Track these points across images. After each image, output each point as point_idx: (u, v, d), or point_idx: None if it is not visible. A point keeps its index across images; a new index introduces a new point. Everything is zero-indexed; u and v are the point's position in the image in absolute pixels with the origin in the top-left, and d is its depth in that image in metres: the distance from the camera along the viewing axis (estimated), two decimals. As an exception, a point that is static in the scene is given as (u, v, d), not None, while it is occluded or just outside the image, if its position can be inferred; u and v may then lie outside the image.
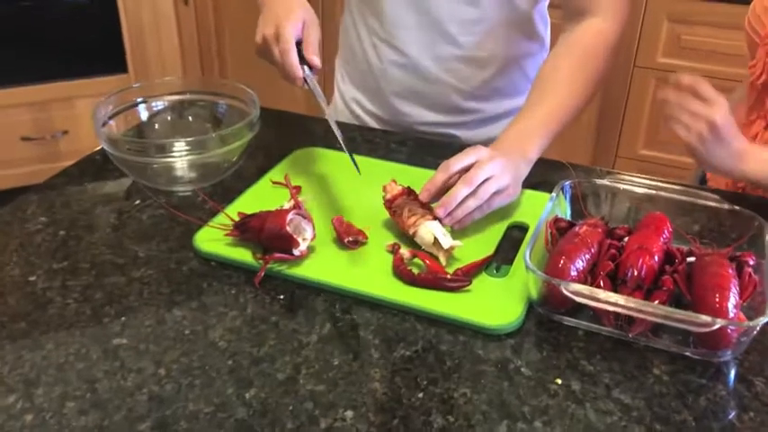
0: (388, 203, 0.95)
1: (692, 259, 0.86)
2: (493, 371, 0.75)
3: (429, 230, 0.89)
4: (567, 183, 0.95)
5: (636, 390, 0.73)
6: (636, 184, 0.94)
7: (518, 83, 1.24)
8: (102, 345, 0.77)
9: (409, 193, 0.96)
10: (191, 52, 2.83)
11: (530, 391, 0.72)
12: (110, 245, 0.93)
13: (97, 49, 2.72)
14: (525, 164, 1.00)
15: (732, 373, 0.76)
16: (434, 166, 1.09)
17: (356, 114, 1.32)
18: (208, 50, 2.85)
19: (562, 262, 0.81)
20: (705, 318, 0.72)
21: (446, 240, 0.89)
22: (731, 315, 0.74)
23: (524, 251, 0.81)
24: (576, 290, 0.76)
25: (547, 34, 1.25)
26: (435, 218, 0.91)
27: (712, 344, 0.75)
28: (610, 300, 0.75)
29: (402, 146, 1.18)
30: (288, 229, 0.87)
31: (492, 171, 0.92)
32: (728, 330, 0.74)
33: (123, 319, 0.81)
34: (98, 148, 1.14)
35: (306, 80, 0.98)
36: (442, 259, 0.89)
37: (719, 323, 0.72)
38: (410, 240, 0.92)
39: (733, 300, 0.76)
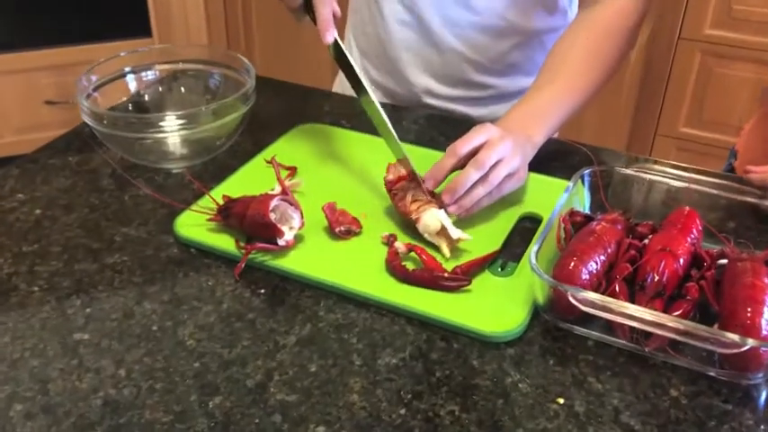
0: (390, 185, 0.87)
1: (723, 261, 0.76)
2: (487, 385, 0.67)
3: (435, 217, 0.81)
4: (587, 171, 0.85)
5: (648, 414, 0.64)
6: (666, 174, 0.84)
7: (538, 60, 1.13)
8: (61, 340, 0.71)
9: (413, 179, 0.87)
10: (216, 17, 2.75)
11: (526, 412, 0.64)
12: (86, 227, 0.86)
13: (121, 12, 2.66)
14: (531, 147, 0.90)
15: (763, 398, 0.66)
16: (444, 147, 1.00)
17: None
18: (234, 15, 2.77)
19: (573, 264, 0.72)
20: (733, 337, 0.63)
21: (455, 230, 0.80)
22: (765, 333, 0.65)
23: (531, 249, 0.72)
24: (585, 298, 0.67)
25: (572, 10, 1.13)
26: (441, 206, 0.83)
27: (741, 365, 0.66)
28: (624, 311, 0.66)
29: (413, 123, 1.09)
30: (271, 216, 0.79)
31: (503, 152, 0.83)
32: (761, 351, 0.64)
33: (88, 311, 0.74)
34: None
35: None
36: (446, 251, 0.80)
37: (750, 343, 0.62)
38: (410, 230, 0.84)
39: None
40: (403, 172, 0.88)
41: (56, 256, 0.82)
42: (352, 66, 0.90)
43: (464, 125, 1.08)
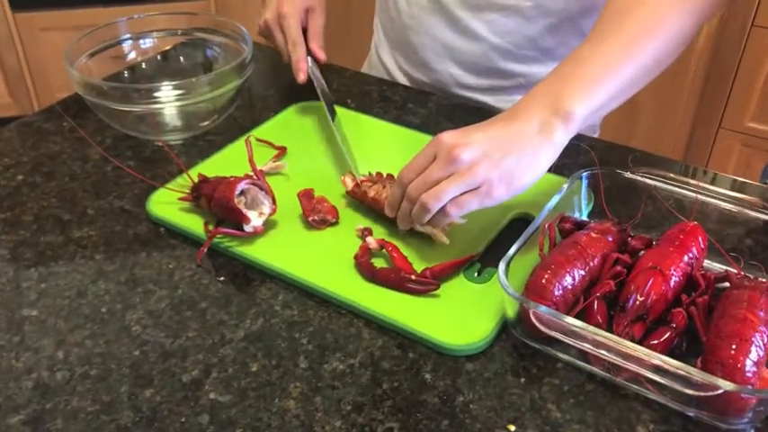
0: (353, 192, 0.82)
1: (725, 285, 0.68)
2: (435, 403, 0.61)
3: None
4: (586, 172, 0.78)
5: (607, 452, 0.58)
6: (677, 182, 0.76)
7: (572, 44, 1.04)
8: (9, 314, 0.69)
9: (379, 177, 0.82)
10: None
11: (471, 437, 0.59)
12: (62, 197, 0.84)
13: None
14: (559, 127, 0.70)
15: (743, 448, 0.59)
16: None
17: (389, 71, 1.16)
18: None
19: (546, 277, 0.65)
20: (707, 377, 0.55)
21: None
22: (748, 375, 0.57)
23: (503, 258, 0.65)
24: (545, 318, 0.61)
25: None
26: None
27: (719, 408, 0.58)
28: (590, 337, 0.60)
29: (420, 107, 1.03)
30: (240, 201, 0.75)
31: (451, 167, 0.69)
32: (742, 395, 0.57)
33: (43, 286, 0.72)
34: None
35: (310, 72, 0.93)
36: (445, 238, 0.75)
37: (726, 387, 0.55)
38: (390, 223, 0.78)
39: (755, 354, 0.58)
40: (355, 183, 0.82)
41: (26, 225, 0.80)
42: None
43: (478, 113, 1.01)
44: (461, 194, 0.68)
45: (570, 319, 0.60)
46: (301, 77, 0.97)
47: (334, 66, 1.17)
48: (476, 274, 0.73)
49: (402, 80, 1.13)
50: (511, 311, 0.66)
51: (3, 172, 0.88)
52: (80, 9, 2.61)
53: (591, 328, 0.60)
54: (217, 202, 0.76)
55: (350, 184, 0.81)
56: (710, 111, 2.19)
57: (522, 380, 0.64)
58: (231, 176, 0.78)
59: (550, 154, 0.71)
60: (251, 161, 0.81)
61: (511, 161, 0.69)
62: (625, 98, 0.75)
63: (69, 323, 0.68)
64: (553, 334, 0.61)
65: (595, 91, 0.72)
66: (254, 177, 0.78)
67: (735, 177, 0.87)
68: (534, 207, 0.81)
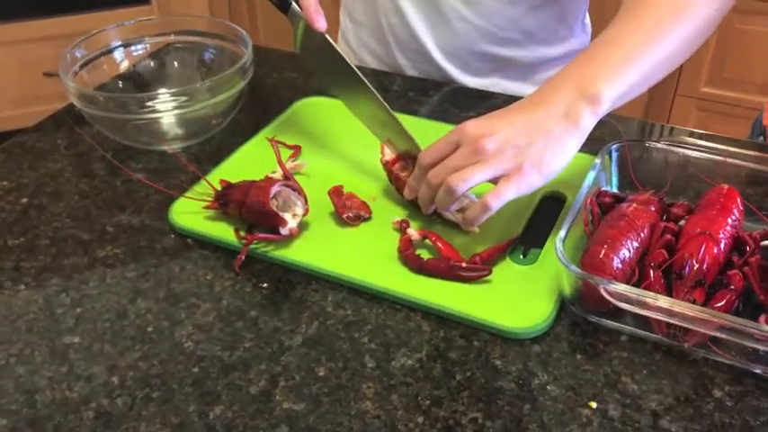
0: (389, 165, 0.80)
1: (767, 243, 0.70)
2: (512, 388, 0.61)
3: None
4: (615, 145, 0.78)
5: (690, 418, 0.58)
6: (699, 147, 0.77)
7: (554, 27, 1.04)
8: (50, 343, 0.66)
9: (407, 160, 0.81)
10: (216, -19, 2.66)
11: (556, 418, 0.58)
12: (75, 216, 0.80)
13: (118, -23, 2.57)
14: (587, 110, 0.69)
15: (815, 398, 0.60)
16: (458, 121, 0.94)
17: (360, 58, 1.14)
18: (234, -20, 2.68)
19: (603, 252, 0.65)
20: (782, 333, 0.57)
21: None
22: (817, 327, 0.59)
23: (557, 236, 0.65)
24: (618, 292, 0.61)
25: None
26: None
27: (791, 362, 0.60)
28: (663, 306, 0.60)
29: (422, 95, 1.02)
30: (272, 204, 0.73)
31: (476, 156, 0.68)
32: (813, 347, 0.58)
33: (79, 310, 0.69)
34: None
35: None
36: (476, 227, 0.74)
37: (803, 341, 0.56)
38: (424, 214, 0.77)
39: (820, 307, 0.60)
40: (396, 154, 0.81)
41: (44, 249, 0.76)
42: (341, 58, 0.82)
43: (483, 99, 1.01)
44: (500, 186, 0.68)
45: (643, 292, 0.61)
46: (321, 22, 0.80)
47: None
48: (521, 256, 0.73)
49: (375, 66, 1.12)
50: (569, 289, 0.66)
51: (5, 196, 0.84)
52: (19, 22, 2.51)
53: (663, 297, 0.60)
54: (250, 207, 0.73)
55: (389, 154, 0.80)
56: (666, 79, 2.24)
57: (592, 356, 0.64)
58: (261, 180, 0.76)
59: (577, 138, 0.70)
60: (280, 162, 0.79)
61: (538, 148, 0.68)
62: (652, 82, 0.75)
63: (117, 346, 0.65)
64: (625, 306, 0.61)
65: (623, 73, 0.71)
66: (285, 178, 0.76)
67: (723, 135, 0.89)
68: (561, 185, 0.82)
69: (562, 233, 0.66)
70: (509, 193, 0.68)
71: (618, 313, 0.66)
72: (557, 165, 0.69)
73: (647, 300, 0.60)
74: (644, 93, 2.26)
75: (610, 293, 0.61)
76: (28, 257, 0.75)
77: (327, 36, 0.81)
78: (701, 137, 0.80)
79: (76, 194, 0.84)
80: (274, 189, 0.73)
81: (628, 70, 0.71)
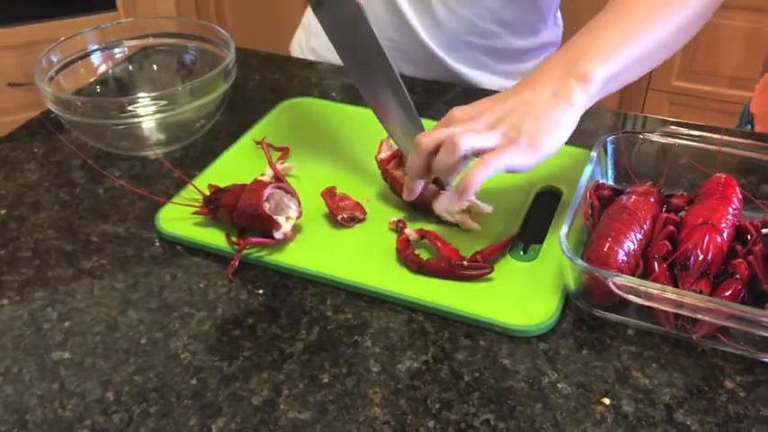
0: (384, 164, 0.78)
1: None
2: (522, 388, 0.59)
3: (453, 197, 0.74)
4: (610, 137, 0.77)
5: (705, 411, 0.58)
6: (694, 138, 0.76)
7: (529, 19, 1.04)
8: (39, 360, 0.63)
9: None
10: (183, -15, 2.62)
11: (569, 416, 0.57)
12: (57, 227, 0.77)
13: (82, -16, 2.52)
14: (577, 90, 0.68)
15: (826, 385, 0.60)
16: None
17: (321, 56, 1.12)
18: (201, -18, 2.64)
19: (608, 245, 0.64)
20: (794, 321, 0.56)
21: (482, 204, 0.74)
22: (827, 314, 0.58)
23: (561, 232, 0.64)
24: (627, 285, 0.60)
25: None
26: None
27: (802, 350, 0.59)
28: (672, 298, 0.59)
29: (410, 92, 1.00)
30: (266, 207, 0.71)
31: (474, 126, 0.68)
32: (824, 334, 0.57)
33: (67, 324, 0.66)
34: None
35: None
36: (473, 224, 0.74)
37: (815, 328, 0.56)
38: (419, 213, 0.76)
39: (828, 293, 0.59)
40: (392, 151, 0.79)
41: (26, 262, 0.73)
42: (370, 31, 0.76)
43: (468, 92, 1.00)
44: (497, 150, 0.65)
45: (651, 284, 0.60)
46: None
47: (302, 60, 1.13)
48: (521, 253, 0.72)
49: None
50: (573, 283, 0.65)
51: (-19, 208, 0.80)
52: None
53: (670, 289, 0.60)
54: (242, 211, 0.71)
55: (386, 151, 0.78)
56: (638, 74, 2.25)
57: (600, 351, 0.63)
58: (251, 183, 0.74)
59: (570, 115, 0.68)
60: (271, 164, 0.77)
61: (531, 125, 0.66)
62: (647, 67, 0.74)
63: (110, 360, 0.62)
64: (633, 299, 0.60)
65: (613, 55, 0.70)
66: (276, 180, 0.74)
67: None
68: (556, 179, 0.81)
69: (565, 228, 0.64)
70: (506, 158, 0.65)
71: (623, 307, 0.65)
72: (551, 143, 0.67)
73: (656, 292, 0.59)
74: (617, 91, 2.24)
75: (618, 287, 0.60)
76: (9, 270, 0.72)
77: (363, 7, 0.75)
78: (692, 127, 0.80)
79: (57, 204, 0.81)
80: (267, 191, 0.71)
81: (617, 51, 0.70)
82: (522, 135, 0.66)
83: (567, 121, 0.68)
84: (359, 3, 0.75)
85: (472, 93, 1.00)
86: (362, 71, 0.79)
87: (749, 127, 1.03)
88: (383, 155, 0.78)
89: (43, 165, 0.87)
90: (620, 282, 0.60)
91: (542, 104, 0.67)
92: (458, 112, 0.70)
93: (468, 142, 0.65)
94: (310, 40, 1.14)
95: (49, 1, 2.49)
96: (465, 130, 0.67)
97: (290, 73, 1.06)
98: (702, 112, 2.21)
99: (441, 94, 1.01)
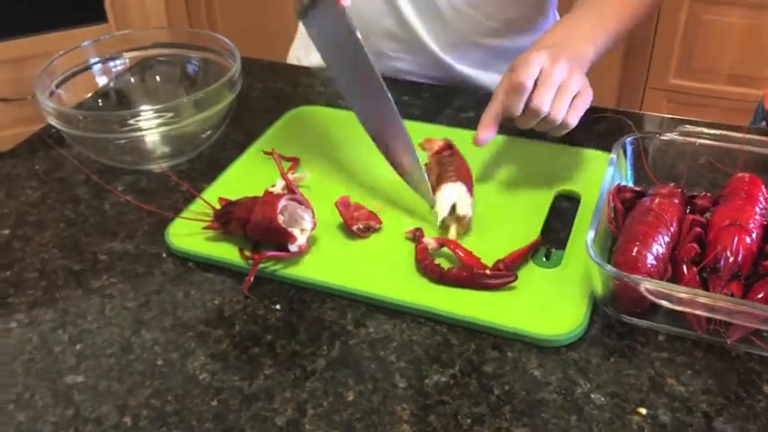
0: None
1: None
2: (555, 400, 0.58)
3: (449, 194, 0.73)
4: (629, 138, 0.76)
5: (745, 418, 0.56)
6: (715, 137, 0.75)
7: (533, 16, 1.05)
8: (51, 385, 0.60)
9: (450, 147, 0.78)
10: (174, -4, 2.60)
11: (606, 428, 0.55)
12: (63, 246, 0.75)
13: (71, -3, 2.50)
14: (584, 62, 0.81)
15: None
16: (456, 121, 0.91)
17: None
18: (193, -7, 2.62)
19: (636, 249, 0.63)
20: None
21: (464, 204, 0.73)
22: None
23: (587, 237, 0.62)
24: (660, 290, 0.58)
25: None
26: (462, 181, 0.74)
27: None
28: (705, 302, 0.57)
29: (416, 98, 0.99)
30: (280, 220, 0.69)
31: (562, 74, 0.75)
32: None
33: (79, 347, 0.64)
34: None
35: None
36: (453, 233, 0.72)
37: None
38: (433, 221, 0.74)
39: None
40: (438, 145, 0.79)
41: (33, 283, 0.71)
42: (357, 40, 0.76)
43: (475, 96, 0.98)
44: (576, 104, 0.76)
45: (683, 289, 0.58)
46: None
47: (305, 68, 1.11)
48: (544, 259, 0.70)
49: None
50: (601, 289, 0.63)
51: (-16, 228, 0.78)
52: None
53: (703, 293, 0.58)
54: (255, 225, 0.69)
55: (431, 150, 0.80)
56: (635, 72, 2.25)
57: (632, 359, 0.61)
58: (264, 195, 0.72)
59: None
60: (284, 175, 0.75)
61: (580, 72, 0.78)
62: (618, 41, 0.89)
63: (125, 383, 0.60)
64: (665, 304, 0.58)
65: (599, 39, 0.84)
66: (289, 192, 0.72)
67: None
68: (573, 182, 0.79)
69: (591, 233, 0.63)
70: (588, 95, 0.78)
71: (651, 312, 0.63)
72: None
73: (688, 296, 0.58)
74: (615, 87, 2.27)
75: (651, 292, 0.58)
76: (16, 292, 0.70)
77: (348, 14, 0.74)
78: (709, 126, 0.78)
79: (62, 222, 0.78)
80: (281, 203, 0.69)
81: (601, 35, 0.85)
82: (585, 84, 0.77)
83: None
84: (344, 8, 0.74)
85: (479, 96, 0.98)
86: (350, 81, 0.79)
87: (764, 124, 1.02)
88: (431, 153, 0.78)
89: (45, 182, 0.85)
90: (651, 287, 0.58)
91: (580, 64, 0.79)
92: (538, 58, 0.75)
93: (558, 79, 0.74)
94: (310, 57, 1.11)
95: (39, 15, 2.46)
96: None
97: (293, 81, 1.04)
98: (701, 110, 2.20)
99: (447, 98, 0.99)
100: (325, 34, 0.78)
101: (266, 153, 0.85)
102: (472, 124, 0.79)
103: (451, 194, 0.73)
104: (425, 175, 0.76)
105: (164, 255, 0.73)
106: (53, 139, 0.90)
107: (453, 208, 0.72)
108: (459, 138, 0.81)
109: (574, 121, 0.76)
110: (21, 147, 0.91)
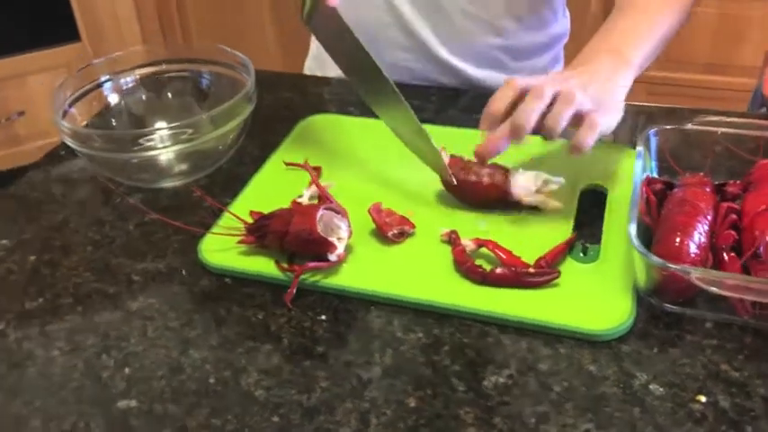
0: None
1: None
2: (615, 393, 0.58)
3: (529, 175, 0.75)
4: (652, 130, 0.77)
5: (802, 399, 0.57)
6: (738, 125, 0.76)
7: (542, 12, 1.05)
8: (105, 412, 0.59)
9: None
10: (147, 11, 2.57)
11: (670, 418, 0.56)
12: (94, 269, 0.74)
13: (43, 16, 2.45)
14: (625, 68, 0.77)
15: None
16: (461, 121, 0.91)
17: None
18: (166, 8, 2.59)
19: (679, 240, 0.64)
20: None
21: (555, 179, 0.75)
22: None
23: (629, 230, 0.63)
24: (708, 279, 0.59)
25: None
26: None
27: None
28: (756, 288, 0.58)
29: (426, 102, 0.99)
30: (319, 229, 0.68)
31: (559, 86, 0.71)
32: None
33: (127, 370, 0.63)
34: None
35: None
36: (554, 203, 0.75)
37: None
38: (468, 222, 0.74)
39: None
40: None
41: (69, 308, 0.69)
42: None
43: (482, 97, 0.98)
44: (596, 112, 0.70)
45: (733, 275, 0.59)
46: None
47: (310, 76, 1.11)
48: (581, 254, 0.71)
49: None
50: (644, 281, 0.64)
51: (7, 256, 0.76)
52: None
53: (753, 279, 0.59)
54: (295, 236, 0.69)
55: (446, 156, 0.78)
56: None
57: (683, 348, 0.62)
58: (299, 206, 0.72)
59: (622, 92, 0.76)
60: (317, 185, 0.75)
61: (598, 89, 0.73)
62: (654, 58, 0.85)
63: (181, 405, 0.59)
64: (714, 291, 0.59)
65: (645, 41, 0.81)
66: (326, 201, 0.72)
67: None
68: (598, 177, 0.80)
69: (633, 226, 0.63)
70: (606, 119, 0.71)
71: (695, 300, 0.64)
72: (622, 104, 0.75)
73: (739, 283, 0.59)
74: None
75: (702, 280, 0.59)
76: (54, 319, 0.68)
77: (339, 12, 0.76)
78: (724, 115, 0.80)
79: (89, 245, 0.77)
80: (320, 213, 0.69)
81: (648, 37, 0.81)
82: (602, 98, 0.72)
83: (621, 96, 0.76)
84: (334, 7, 0.76)
85: (486, 96, 0.99)
86: (362, 81, 0.80)
87: (764, 110, 1.04)
88: (445, 159, 0.77)
89: (65, 204, 0.83)
90: (702, 276, 0.59)
91: (606, 74, 0.75)
92: (534, 80, 0.73)
93: (581, 95, 0.70)
94: (326, 71, 1.11)
95: (10, 36, 2.41)
96: (568, 89, 0.70)
97: (302, 90, 1.04)
98: (679, 99, 2.24)
99: (456, 99, 0.99)
100: (327, 36, 0.80)
101: (288, 164, 0.84)
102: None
103: (532, 173, 0.75)
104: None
105: (198, 272, 0.72)
106: (66, 161, 0.89)
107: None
108: (472, 139, 0.81)
109: (587, 139, 0.69)
110: (32, 171, 0.90)
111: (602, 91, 0.73)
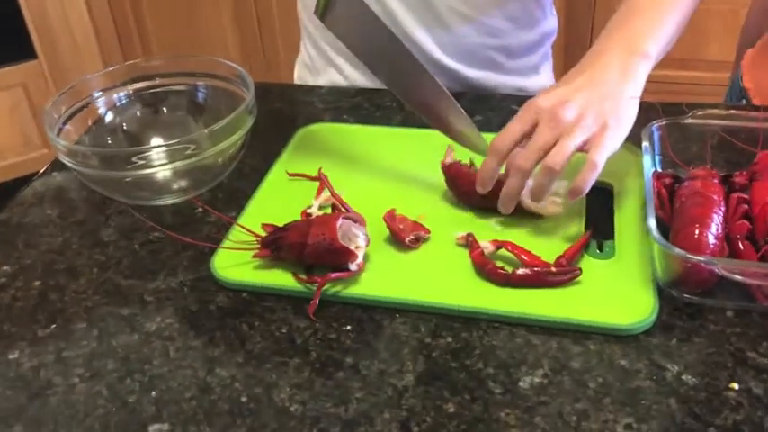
0: (450, 170, 0.78)
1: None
2: (649, 386, 0.59)
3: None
4: (655, 125, 0.78)
5: (829, 380, 0.58)
6: (738, 117, 0.78)
7: (533, 11, 1.06)
8: (136, 437, 0.58)
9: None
10: (104, 27, 2.53)
11: (707, 407, 0.57)
12: (104, 291, 0.72)
13: (-4, 36, 2.39)
14: (641, 61, 0.74)
15: None
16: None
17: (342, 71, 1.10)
18: (124, 23, 2.55)
19: (698, 232, 0.65)
20: None
21: (559, 182, 0.75)
22: None
23: (649, 224, 0.64)
24: (732, 268, 0.60)
25: None
26: None
27: None
28: (779, 274, 0.60)
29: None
30: (339, 238, 0.68)
31: (558, 128, 0.69)
32: None
33: (154, 394, 0.61)
34: (49, 163, 0.91)
35: None
36: (556, 208, 0.75)
37: None
38: (480, 224, 0.74)
39: None
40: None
41: (83, 333, 0.67)
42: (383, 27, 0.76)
43: (464, 96, 0.99)
44: (597, 144, 0.69)
45: (757, 264, 0.60)
46: None
47: (300, 86, 1.10)
48: (597, 251, 0.72)
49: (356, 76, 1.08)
50: (664, 274, 0.65)
51: (11, 283, 0.74)
52: None
53: (776, 266, 0.60)
54: (315, 247, 0.68)
55: (451, 157, 0.78)
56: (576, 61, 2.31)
57: (708, 337, 0.63)
58: (315, 217, 0.71)
59: (638, 89, 0.75)
60: (334, 195, 0.74)
61: (612, 103, 0.72)
62: (671, 47, 0.82)
63: (215, 426, 0.58)
64: (738, 279, 0.60)
65: (661, 30, 0.78)
66: (339, 210, 0.71)
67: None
68: (603, 173, 0.81)
69: (652, 221, 0.64)
70: (607, 145, 0.69)
71: (713, 290, 0.65)
72: (631, 115, 0.73)
73: (762, 270, 0.60)
74: (558, 77, 2.29)
75: (726, 270, 0.60)
76: (68, 346, 0.66)
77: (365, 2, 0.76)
78: (721, 108, 0.82)
79: (95, 267, 0.75)
80: (339, 223, 0.68)
81: (659, 32, 0.78)
82: (608, 116, 0.70)
83: (636, 95, 0.74)
84: None
85: (484, 98, 1.00)
86: (388, 65, 0.79)
87: (744, 101, 1.07)
88: (448, 160, 0.77)
89: (63, 227, 0.81)
90: (726, 266, 0.60)
91: (615, 83, 0.73)
92: (543, 100, 0.72)
93: (564, 162, 0.68)
94: (318, 80, 1.10)
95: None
96: (558, 150, 0.69)
97: (291, 100, 1.03)
98: (655, 96, 2.29)
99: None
100: (347, 26, 0.78)
101: (291, 175, 0.83)
102: (482, 127, 0.80)
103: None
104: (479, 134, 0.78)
105: (213, 288, 0.71)
106: (60, 183, 0.86)
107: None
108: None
109: (587, 183, 0.68)
110: (26, 195, 0.87)
111: (609, 110, 0.71)
